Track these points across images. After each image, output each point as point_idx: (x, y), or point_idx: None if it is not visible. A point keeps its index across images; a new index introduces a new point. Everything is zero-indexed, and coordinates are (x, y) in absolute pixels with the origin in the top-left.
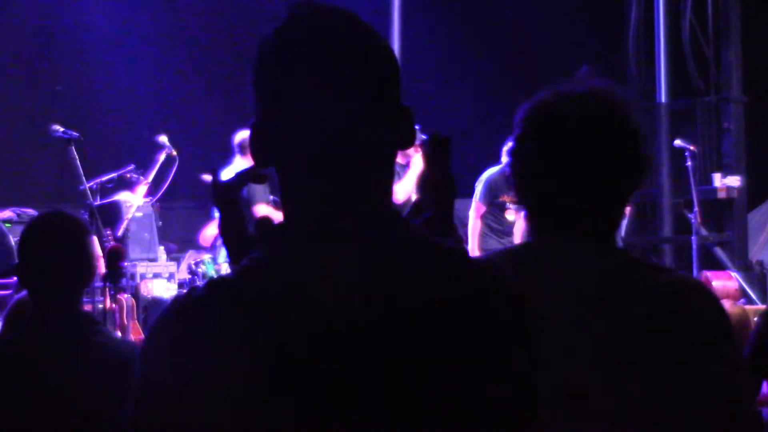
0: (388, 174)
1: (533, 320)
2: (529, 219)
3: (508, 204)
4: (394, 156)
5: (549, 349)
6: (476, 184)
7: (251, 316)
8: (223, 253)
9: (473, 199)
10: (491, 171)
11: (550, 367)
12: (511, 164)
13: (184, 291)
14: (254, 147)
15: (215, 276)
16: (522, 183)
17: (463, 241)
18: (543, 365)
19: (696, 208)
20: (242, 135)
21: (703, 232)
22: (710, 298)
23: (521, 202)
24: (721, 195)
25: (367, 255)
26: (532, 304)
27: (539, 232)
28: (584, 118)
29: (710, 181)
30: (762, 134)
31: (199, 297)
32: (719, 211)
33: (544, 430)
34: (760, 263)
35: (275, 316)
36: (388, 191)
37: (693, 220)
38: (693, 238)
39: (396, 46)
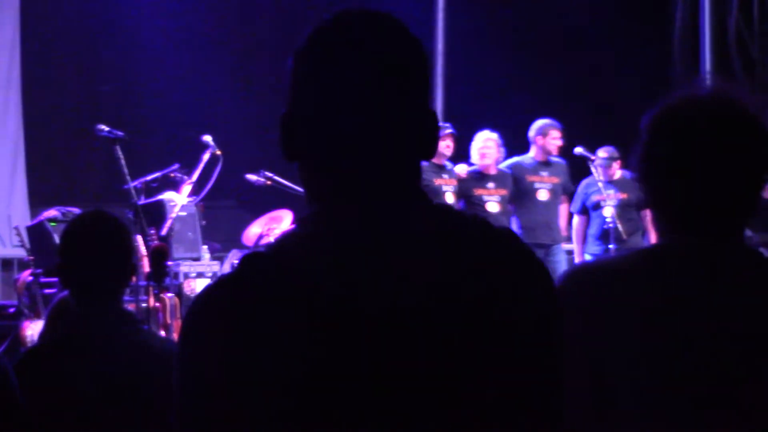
0: (415, 170)
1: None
2: (660, 220)
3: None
4: (418, 158)
5: (695, 345)
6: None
7: (288, 286)
8: None
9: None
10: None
11: (697, 365)
12: (641, 169)
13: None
14: (285, 136)
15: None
16: (653, 186)
17: None
18: (690, 363)
19: None
20: (539, 123)
21: (748, 232)
22: None
23: (651, 205)
24: (766, 195)
25: (397, 230)
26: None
27: (671, 233)
28: (714, 120)
29: None
30: None
31: (235, 273)
32: (764, 211)
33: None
34: None
35: (314, 285)
36: (415, 182)
37: None
38: None
39: (439, 46)
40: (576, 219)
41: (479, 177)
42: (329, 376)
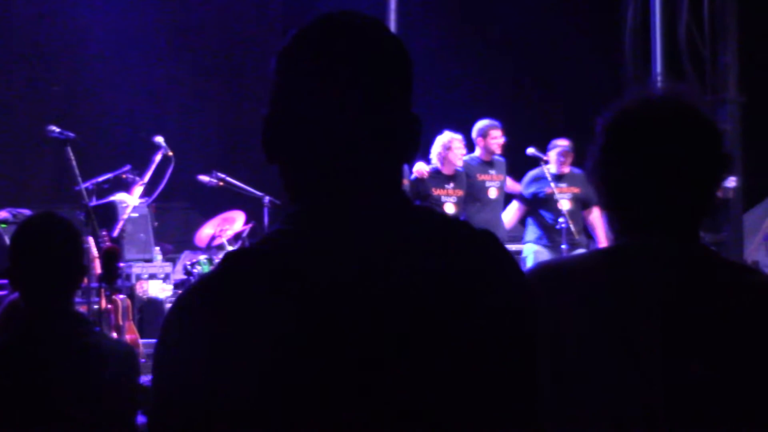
0: (397, 172)
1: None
2: (616, 221)
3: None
4: (400, 161)
5: (652, 344)
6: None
7: (273, 285)
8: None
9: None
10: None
11: (654, 363)
12: (596, 170)
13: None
14: (267, 136)
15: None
16: (609, 188)
17: None
18: (638, 359)
19: None
20: (479, 124)
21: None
22: None
23: (607, 207)
24: (720, 195)
25: (380, 229)
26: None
27: (628, 234)
28: (669, 122)
29: None
30: (758, 135)
31: (220, 271)
32: (716, 211)
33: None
34: (756, 264)
35: (299, 284)
36: (398, 184)
37: None
38: None
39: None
40: (516, 204)
41: (439, 177)
42: (313, 372)
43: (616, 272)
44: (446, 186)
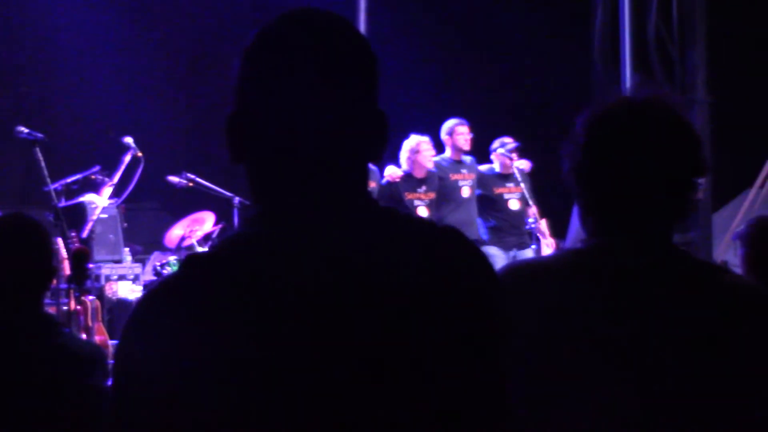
0: (362, 172)
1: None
2: (592, 221)
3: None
4: (366, 160)
5: (619, 341)
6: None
7: (231, 287)
8: None
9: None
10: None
11: (621, 362)
12: (575, 174)
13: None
14: (231, 136)
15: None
16: (588, 190)
17: None
18: (615, 359)
19: None
20: (447, 123)
21: None
22: None
23: (584, 207)
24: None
25: (343, 230)
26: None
27: (604, 234)
28: (649, 124)
29: None
30: (726, 135)
31: (179, 274)
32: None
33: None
34: (725, 263)
35: (256, 286)
36: (363, 184)
37: None
38: None
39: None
40: None
41: (411, 181)
42: (272, 373)
43: (591, 273)
44: (418, 190)
